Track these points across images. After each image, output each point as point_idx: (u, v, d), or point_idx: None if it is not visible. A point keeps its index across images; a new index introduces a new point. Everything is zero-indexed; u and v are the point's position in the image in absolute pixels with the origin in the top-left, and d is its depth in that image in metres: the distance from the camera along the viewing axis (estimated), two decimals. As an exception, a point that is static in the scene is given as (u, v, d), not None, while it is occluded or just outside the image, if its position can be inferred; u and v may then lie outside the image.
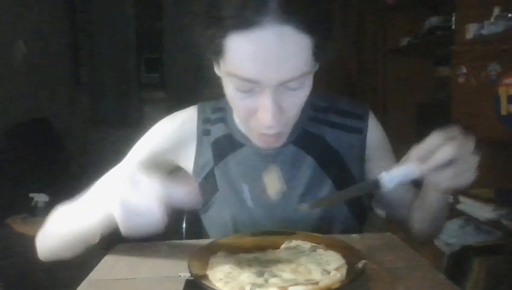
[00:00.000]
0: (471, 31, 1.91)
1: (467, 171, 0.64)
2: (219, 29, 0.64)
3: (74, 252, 0.78)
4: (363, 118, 0.91)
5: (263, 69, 0.63)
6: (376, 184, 0.63)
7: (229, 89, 0.71)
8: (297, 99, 0.70)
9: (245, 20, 0.61)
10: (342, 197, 0.68)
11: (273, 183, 0.70)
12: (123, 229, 0.58)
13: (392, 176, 0.63)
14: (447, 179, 0.64)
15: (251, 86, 0.66)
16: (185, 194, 0.59)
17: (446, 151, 0.61)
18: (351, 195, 0.70)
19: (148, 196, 0.57)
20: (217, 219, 0.89)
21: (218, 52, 0.67)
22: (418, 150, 0.64)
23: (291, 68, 0.64)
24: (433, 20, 2.45)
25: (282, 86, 0.66)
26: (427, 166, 0.63)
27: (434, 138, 0.63)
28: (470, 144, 0.63)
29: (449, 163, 0.62)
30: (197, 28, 0.68)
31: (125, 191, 0.57)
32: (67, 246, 0.77)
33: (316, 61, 0.70)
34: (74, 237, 0.74)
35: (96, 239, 0.75)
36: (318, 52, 0.67)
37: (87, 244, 0.76)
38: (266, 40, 0.61)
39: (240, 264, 0.63)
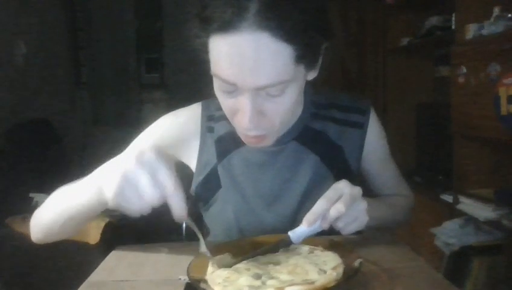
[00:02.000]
0: (471, 31, 1.91)
1: (359, 217, 0.71)
2: (202, 29, 0.66)
3: (64, 231, 0.79)
4: (365, 113, 0.91)
5: (239, 73, 0.64)
6: (288, 241, 0.71)
7: (215, 87, 0.73)
8: (279, 106, 0.70)
9: (224, 23, 0.62)
10: (259, 253, 0.70)
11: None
12: (111, 198, 0.58)
13: (299, 234, 0.71)
14: (344, 227, 0.71)
15: (231, 88, 0.68)
16: (178, 208, 0.59)
17: (337, 209, 0.68)
18: (266, 251, 0.71)
19: (155, 179, 0.57)
20: (220, 215, 0.90)
21: (203, 51, 0.69)
22: (311, 215, 0.69)
23: (267, 75, 0.64)
24: (433, 20, 2.45)
25: (262, 91, 0.67)
26: (324, 223, 0.69)
27: (323, 202, 0.69)
28: (356, 193, 0.70)
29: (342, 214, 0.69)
30: (189, 26, 0.69)
31: (134, 164, 0.57)
32: (59, 225, 0.77)
33: (307, 69, 0.70)
34: (66, 214, 0.75)
35: (87, 217, 0.75)
36: (304, 61, 0.67)
37: (76, 225, 0.77)
38: (242, 45, 0.62)
39: (238, 268, 0.63)
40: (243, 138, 0.78)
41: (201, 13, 0.65)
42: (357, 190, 0.70)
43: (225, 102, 0.72)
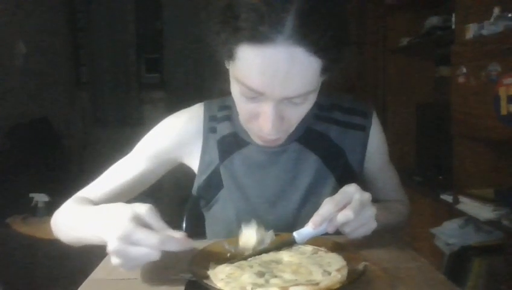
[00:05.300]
0: (471, 31, 1.91)
1: (367, 223, 0.70)
2: (233, 36, 0.65)
3: (76, 244, 0.82)
4: (367, 116, 0.92)
5: (269, 84, 0.65)
6: (292, 241, 0.71)
7: (235, 91, 0.73)
8: (299, 111, 0.73)
9: (259, 35, 0.62)
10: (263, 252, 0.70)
11: (248, 239, 0.70)
12: (115, 259, 0.60)
13: (304, 235, 0.71)
14: (350, 232, 0.71)
15: (255, 94, 0.68)
16: (180, 242, 0.60)
17: (345, 215, 0.67)
18: (270, 250, 0.71)
19: (151, 237, 0.58)
20: (221, 216, 0.90)
21: (229, 56, 0.69)
22: (318, 217, 0.69)
23: (296, 87, 0.66)
24: (433, 20, 2.45)
25: (286, 100, 0.68)
26: (330, 227, 0.70)
27: (331, 206, 0.69)
28: (365, 199, 0.69)
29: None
30: (213, 28, 0.68)
31: (130, 226, 0.58)
32: (74, 244, 0.81)
33: (325, 76, 0.71)
34: (78, 242, 0.78)
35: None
36: (326, 72, 0.69)
37: (85, 243, 0.79)
38: (276, 58, 0.63)
39: (241, 265, 0.63)
40: (256, 138, 0.80)
41: (233, 21, 0.64)
42: (367, 196, 0.70)
43: (245, 106, 0.73)
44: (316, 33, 0.62)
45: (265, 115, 0.70)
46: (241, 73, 0.68)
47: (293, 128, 0.77)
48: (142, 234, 0.58)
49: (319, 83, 0.70)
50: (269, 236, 0.71)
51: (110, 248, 0.58)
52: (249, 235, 0.70)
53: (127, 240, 0.58)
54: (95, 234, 0.66)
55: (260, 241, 0.70)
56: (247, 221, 0.87)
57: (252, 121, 0.74)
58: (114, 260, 0.60)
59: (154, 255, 0.59)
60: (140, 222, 0.59)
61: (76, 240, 0.78)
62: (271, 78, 0.64)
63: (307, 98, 0.70)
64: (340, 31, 0.65)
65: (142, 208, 0.61)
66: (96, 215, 0.69)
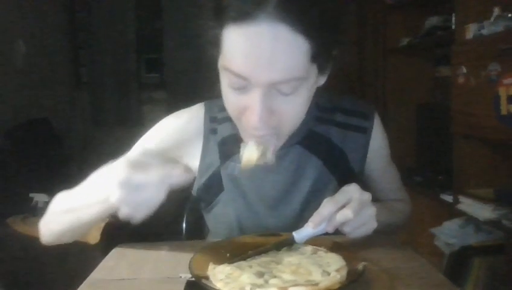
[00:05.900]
0: (471, 31, 1.91)
1: (367, 222, 0.71)
2: (217, 19, 0.65)
3: (75, 236, 0.83)
4: (369, 118, 0.91)
5: (254, 66, 0.63)
6: (291, 240, 0.71)
7: (224, 84, 0.71)
8: (290, 106, 0.68)
9: (242, 14, 0.61)
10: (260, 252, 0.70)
11: (249, 154, 0.70)
12: (123, 209, 0.60)
13: (303, 235, 0.71)
14: (351, 232, 0.71)
15: (242, 83, 0.66)
16: (180, 172, 0.61)
17: (344, 215, 0.68)
18: (269, 250, 0.72)
19: (151, 175, 0.59)
20: (222, 218, 0.90)
21: (215, 44, 0.68)
22: (317, 216, 0.69)
23: (282, 68, 0.63)
24: (433, 20, 2.45)
25: (274, 89, 0.66)
26: (330, 227, 0.70)
27: (330, 205, 0.69)
28: (365, 199, 0.70)
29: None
30: (201, 19, 0.68)
31: (127, 171, 0.59)
32: (68, 231, 0.81)
33: (319, 71, 0.70)
34: (74, 224, 0.78)
35: (97, 222, 0.78)
36: (317, 60, 0.66)
37: (87, 229, 0.81)
38: (259, 36, 0.61)
39: (241, 265, 0.63)
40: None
41: (218, 4, 0.64)
42: (367, 196, 0.70)
43: (233, 99, 0.70)
44: (299, 10, 0.61)
45: (252, 106, 0.66)
46: (227, 58, 0.66)
47: (285, 130, 0.74)
48: (141, 176, 0.59)
49: (309, 72, 0.67)
50: (270, 150, 0.71)
51: (114, 198, 0.59)
52: (251, 150, 0.70)
53: (128, 185, 0.58)
54: (97, 198, 0.66)
55: (262, 155, 0.70)
56: (248, 224, 0.87)
57: (241, 116, 0.71)
58: (123, 211, 0.59)
59: (160, 195, 0.59)
60: (137, 166, 0.60)
61: (75, 221, 0.77)
62: (256, 59, 0.62)
63: (297, 88, 0.66)
64: (328, 12, 0.64)
65: (136, 153, 0.62)
66: (93, 183, 0.69)
